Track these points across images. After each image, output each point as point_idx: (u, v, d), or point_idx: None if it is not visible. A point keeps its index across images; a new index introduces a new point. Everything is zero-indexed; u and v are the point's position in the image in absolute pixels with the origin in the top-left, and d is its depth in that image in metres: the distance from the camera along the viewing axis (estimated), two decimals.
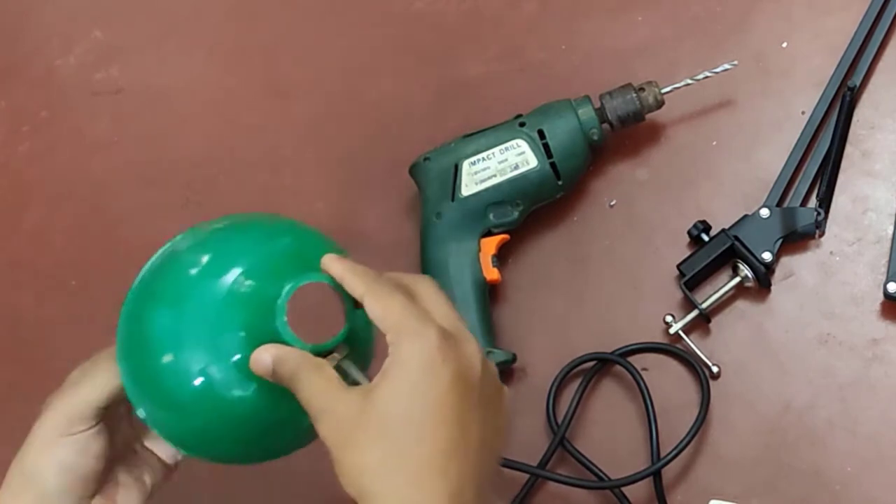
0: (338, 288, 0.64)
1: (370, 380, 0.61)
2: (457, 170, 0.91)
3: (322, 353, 0.64)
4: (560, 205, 0.94)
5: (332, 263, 0.64)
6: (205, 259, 0.67)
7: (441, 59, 1.03)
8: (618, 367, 0.90)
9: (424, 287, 0.64)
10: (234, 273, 0.66)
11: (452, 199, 0.91)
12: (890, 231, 0.90)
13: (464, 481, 0.59)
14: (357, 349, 0.66)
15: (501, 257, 0.92)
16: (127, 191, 1.04)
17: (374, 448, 0.59)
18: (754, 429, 0.87)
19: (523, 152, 0.90)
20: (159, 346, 0.66)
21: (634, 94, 0.92)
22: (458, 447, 0.59)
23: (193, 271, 0.67)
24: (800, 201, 0.91)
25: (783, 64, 0.96)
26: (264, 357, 0.62)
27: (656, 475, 0.86)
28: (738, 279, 0.90)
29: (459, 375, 0.59)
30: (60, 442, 0.67)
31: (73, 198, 1.05)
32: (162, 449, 0.73)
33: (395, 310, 0.61)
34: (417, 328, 0.60)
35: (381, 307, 0.61)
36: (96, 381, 0.68)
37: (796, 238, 0.90)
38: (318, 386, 0.61)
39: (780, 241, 0.89)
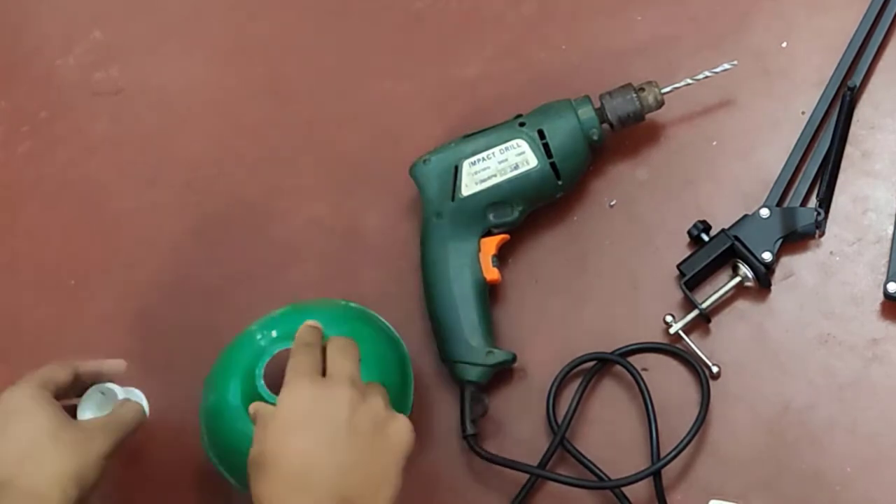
0: None
1: None
2: (457, 170, 0.91)
3: None
4: (560, 205, 0.94)
5: (298, 333, 0.79)
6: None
7: (441, 59, 1.03)
8: (618, 367, 0.90)
9: (331, 346, 0.78)
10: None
11: (452, 199, 0.91)
12: (890, 231, 0.90)
13: None
14: None
15: (501, 257, 0.92)
16: (127, 191, 1.04)
17: (259, 479, 0.72)
18: (754, 429, 0.87)
19: (523, 152, 0.90)
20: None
21: (634, 94, 0.92)
22: (307, 482, 0.70)
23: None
24: (800, 201, 0.91)
25: (783, 64, 0.96)
26: (251, 410, 0.77)
27: (656, 475, 0.86)
28: (738, 279, 0.90)
29: (323, 418, 0.72)
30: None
31: (73, 197, 1.05)
32: None
33: (289, 367, 0.76)
34: (292, 380, 0.75)
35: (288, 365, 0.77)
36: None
37: (796, 238, 0.90)
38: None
39: (780, 241, 0.89)
